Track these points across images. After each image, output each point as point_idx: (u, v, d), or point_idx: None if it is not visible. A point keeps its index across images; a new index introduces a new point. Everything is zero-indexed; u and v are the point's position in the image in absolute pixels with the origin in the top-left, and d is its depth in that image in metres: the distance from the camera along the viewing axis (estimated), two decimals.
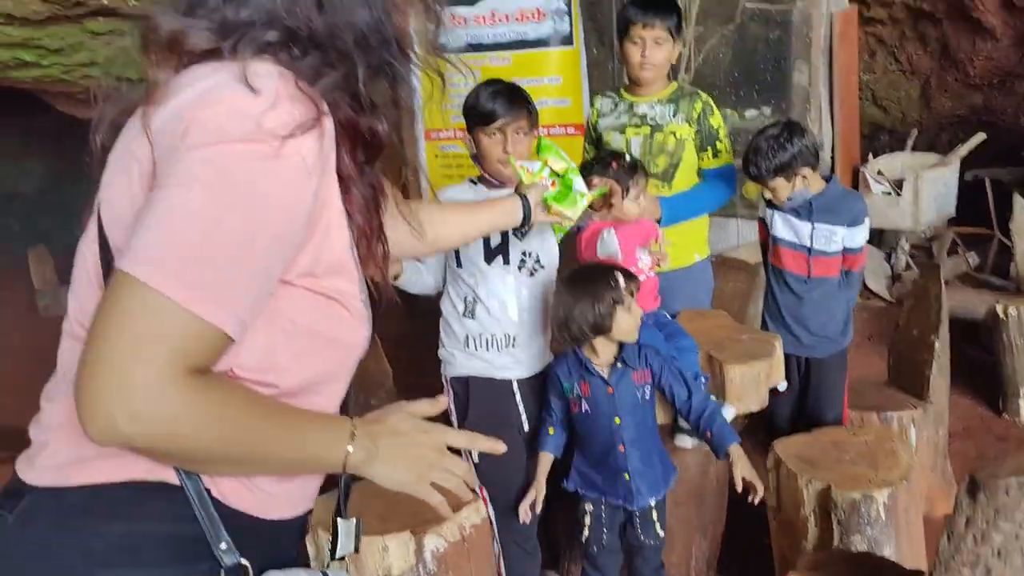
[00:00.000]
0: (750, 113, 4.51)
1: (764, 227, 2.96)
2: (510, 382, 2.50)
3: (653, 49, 2.75)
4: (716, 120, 2.88)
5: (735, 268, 3.72)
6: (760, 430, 3.00)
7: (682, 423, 2.44)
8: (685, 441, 2.46)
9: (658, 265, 2.56)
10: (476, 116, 2.42)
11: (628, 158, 2.62)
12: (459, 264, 2.48)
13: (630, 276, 2.23)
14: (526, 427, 2.50)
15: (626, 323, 2.19)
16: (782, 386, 2.83)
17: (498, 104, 2.39)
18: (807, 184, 2.72)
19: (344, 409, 1.14)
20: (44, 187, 10.13)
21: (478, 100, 2.41)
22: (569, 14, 4.47)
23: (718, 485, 2.65)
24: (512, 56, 4.61)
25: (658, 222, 2.68)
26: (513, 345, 2.47)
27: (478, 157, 2.49)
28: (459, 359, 2.52)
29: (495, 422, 2.43)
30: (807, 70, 4.31)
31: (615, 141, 2.93)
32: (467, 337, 2.48)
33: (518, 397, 2.50)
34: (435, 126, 4.90)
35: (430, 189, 5.01)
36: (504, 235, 2.46)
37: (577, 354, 2.28)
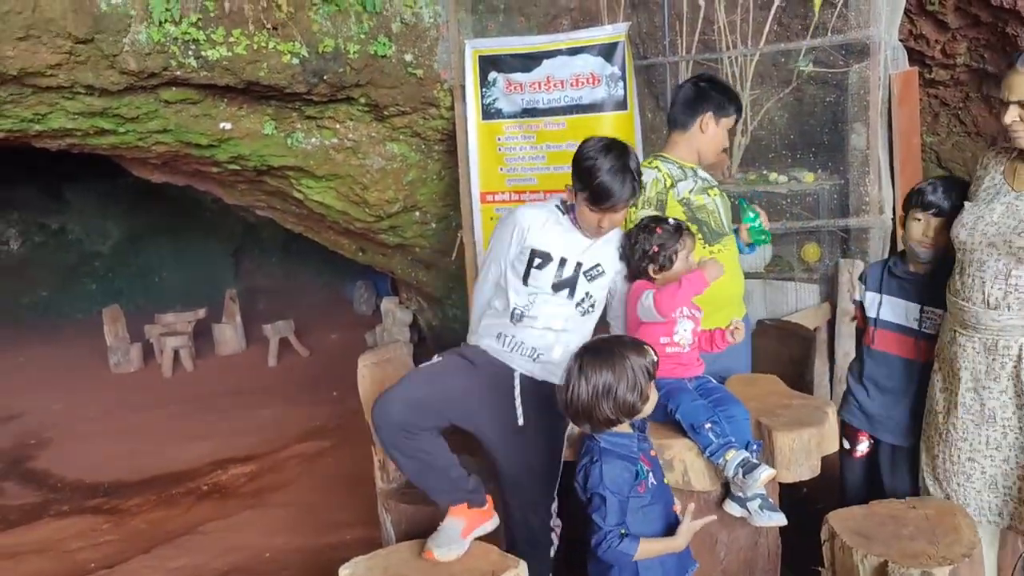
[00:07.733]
0: (806, 176, 4.46)
1: (861, 311, 2.86)
2: (513, 370, 2.59)
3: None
4: None
5: (792, 333, 3.62)
6: (828, 495, 2.90)
7: (732, 490, 2.37)
8: (733, 508, 2.38)
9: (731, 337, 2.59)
10: (592, 192, 2.48)
11: (672, 221, 2.63)
12: (524, 282, 2.60)
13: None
14: (520, 420, 2.52)
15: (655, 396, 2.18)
16: (862, 447, 2.77)
17: (615, 187, 2.47)
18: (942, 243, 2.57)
19: None
20: (120, 248, 10.59)
21: (601, 179, 2.45)
22: (623, 79, 4.51)
23: (770, 557, 2.56)
24: (567, 120, 4.66)
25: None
26: (535, 359, 2.60)
27: (575, 209, 2.59)
28: (484, 338, 2.68)
29: (491, 382, 2.55)
30: (865, 132, 4.25)
31: (707, 202, 2.98)
32: (500, 334, 2.63)
33: (517, 387, 2.55)
34: (491, 189, 4.97)
35: (484, 251, 5.06)
36: (576, 271, 2.59)
37: (637, 429, 2.22)
